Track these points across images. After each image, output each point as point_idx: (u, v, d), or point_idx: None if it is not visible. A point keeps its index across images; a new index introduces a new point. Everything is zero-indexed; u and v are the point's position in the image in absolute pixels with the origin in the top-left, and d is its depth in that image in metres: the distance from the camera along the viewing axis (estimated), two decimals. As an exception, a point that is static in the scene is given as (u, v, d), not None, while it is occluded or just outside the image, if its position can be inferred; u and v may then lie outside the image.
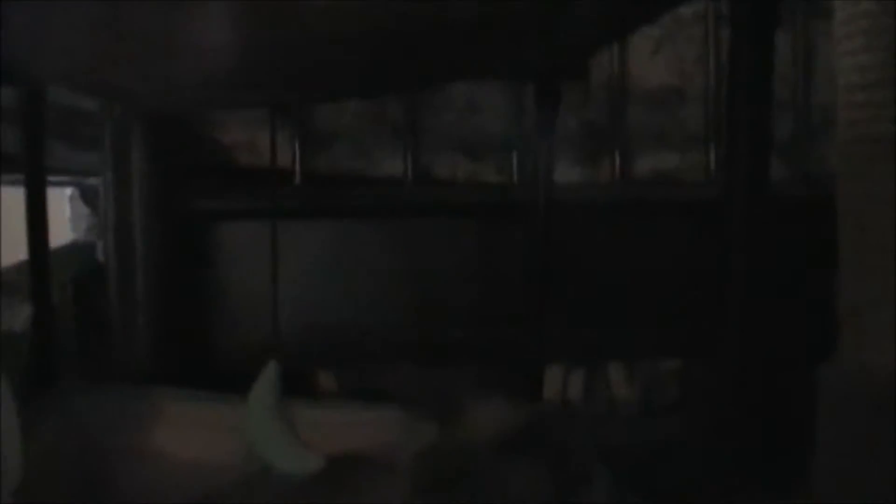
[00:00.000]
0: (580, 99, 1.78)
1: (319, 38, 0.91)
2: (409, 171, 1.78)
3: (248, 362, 1.37)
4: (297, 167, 1.76)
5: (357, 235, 1.76)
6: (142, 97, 1.44)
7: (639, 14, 1.16)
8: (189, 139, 1.76)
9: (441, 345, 1.76)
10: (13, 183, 1.74)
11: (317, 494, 1.12)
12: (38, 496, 1.10)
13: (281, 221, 1.62)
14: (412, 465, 1.01)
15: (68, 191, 2.18)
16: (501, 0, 0.86)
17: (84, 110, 1.75)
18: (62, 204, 2.17)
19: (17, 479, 0.80)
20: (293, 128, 1.75)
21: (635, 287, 1.76)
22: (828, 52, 1.47)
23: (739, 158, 0.92)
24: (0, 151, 1.65)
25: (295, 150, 1.75)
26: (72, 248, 1.99)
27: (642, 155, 1.81)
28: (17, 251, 1.64)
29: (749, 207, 0.91)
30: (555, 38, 1.12)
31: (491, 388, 1.68)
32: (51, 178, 1.68)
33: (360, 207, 1.76)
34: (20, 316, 1.69)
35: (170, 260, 1.67)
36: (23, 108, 1.57)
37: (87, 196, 2.13)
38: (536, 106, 1.58)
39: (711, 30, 1.78)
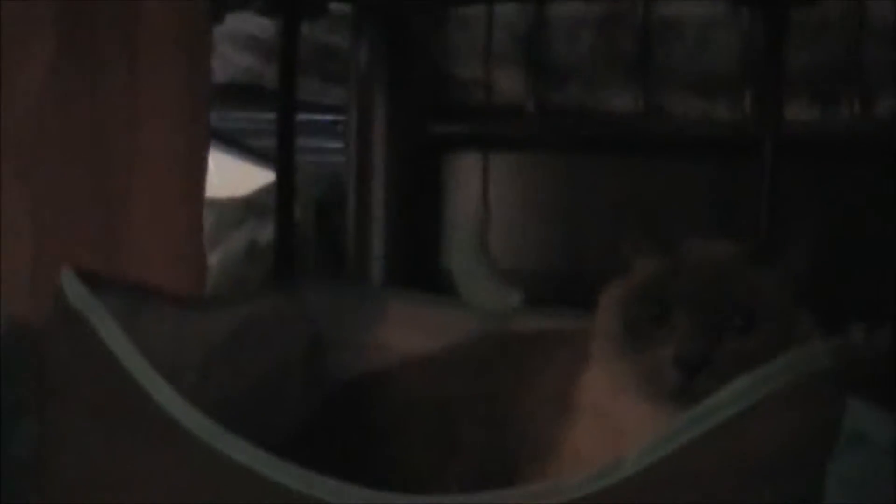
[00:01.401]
0: (816, 35, 1.75)
1: None
2: (641, 106, 1.80)
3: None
4: (531, 99, 1.82)
5: (588, 169, 1.80)
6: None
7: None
8: (429, 75, 1.85)
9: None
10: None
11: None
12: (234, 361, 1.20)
13: (512, 152, 1.68)
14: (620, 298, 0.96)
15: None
16: None
17: (335, 46, 1.88)
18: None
19: None
20: (528, 62, 1.81)
21: (877, 236, 1.70)
22: None
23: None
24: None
25: (528, 85, 1.81)
26: (317, 173, 2.13)
27: (883, 95, 1.76)
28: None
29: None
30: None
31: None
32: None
33: (589, 140, 1.80)
34: (266, 231, 1.84)
35: (405, 184, 1.78)
36: (280, 41, 1.71)
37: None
38: (764, 36, 1.57)
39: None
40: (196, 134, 1.35)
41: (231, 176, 2.42)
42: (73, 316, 0.83)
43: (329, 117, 2.00)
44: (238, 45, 1.91)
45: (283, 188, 1.66)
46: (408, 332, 1.34)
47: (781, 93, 1.61)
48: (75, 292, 0.83)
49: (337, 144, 2.09)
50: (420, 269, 1.77)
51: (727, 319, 0.87)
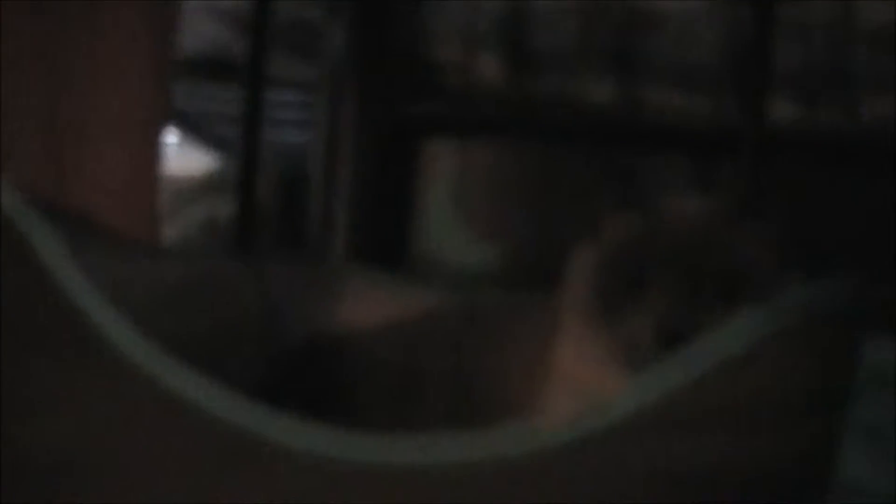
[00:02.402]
0: (801, 33, 1.71)
1: None
2: (620, 97, 1.75)
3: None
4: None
5: (565, 159, 1.75)
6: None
7: None
8: (406, 55, 1.80)
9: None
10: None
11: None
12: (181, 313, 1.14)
13: (488, 139, 1.63)
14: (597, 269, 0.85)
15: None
16: None
17: (309, 20, 1.83)
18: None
19: None
20: (508, 48, 1.76)
21: (845, 241, 1.66)
22: None
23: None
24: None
25: (507, 71, 1.76)
26: (285, 149, 2.07)
27: (868, 99, 1.72)
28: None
29: None
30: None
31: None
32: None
33: (566, 130, 1.75)
34: (225, 208, 1.77)
35: (374, 165, 1.72)
36: (251, 13, 1.66)
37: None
38: (750, 31, 1.53)
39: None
40: (157, 99, 1.31)
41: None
42: (6, 225, 0.75)
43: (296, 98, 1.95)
44: (209, 15, 1.85)
45: (248, 162, 1.61)
46: (367, 309, 1.28)
47: (765, 90, 1.57)
48: (10, 201, 0.76)
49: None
50: (387, 253, 1.71)
51: (711, 285, 0.78)
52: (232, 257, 1.32)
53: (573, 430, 0.67)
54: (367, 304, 1.29)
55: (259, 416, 0.71)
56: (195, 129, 2.21)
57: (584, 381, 0.84)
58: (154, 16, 1.29)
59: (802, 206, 1.65)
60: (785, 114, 1.71)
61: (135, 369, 0.70)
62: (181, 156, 2.24)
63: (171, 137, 2.13)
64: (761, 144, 1.53)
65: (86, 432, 0.72)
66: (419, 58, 1.80)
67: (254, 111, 1.63)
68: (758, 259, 0.81)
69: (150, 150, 1.29)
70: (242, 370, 1.13)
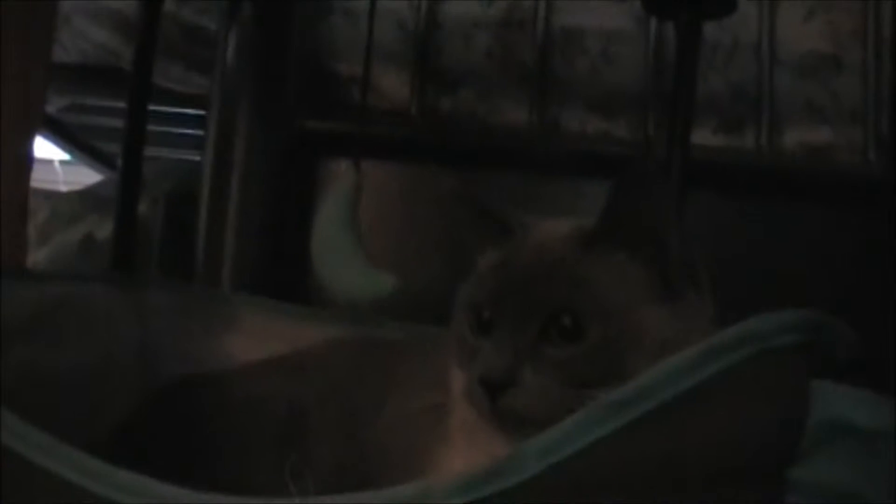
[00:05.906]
0: (725, 58, 1.62)
1: None
2: (536, 119, 1.64)
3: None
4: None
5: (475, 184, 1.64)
6: None
7: None
8: (307, 69, 1.68)
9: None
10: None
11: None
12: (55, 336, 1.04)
13: (391, 159, 1.53)
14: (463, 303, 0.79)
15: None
16: None
17: (204, 28, 1.71)
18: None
19: None
20: (416, 63, 1.65)
21: (767, 272, 1.57)
22: None
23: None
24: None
25: (414, 87, 1.65)
26: (173, 165, 1.94)
27: (790, 127, 1.64)
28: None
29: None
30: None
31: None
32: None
33: (477, 152, 1.64)
34: (106, 226, 1.65)
35: (267, 183, 1.61)
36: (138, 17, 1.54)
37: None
38: (676, 51, 1.44)
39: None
40: (27, 104, 1.19)
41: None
42: None
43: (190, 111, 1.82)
44: (95, 19, 1.72)
45: (128, 178, 1.47)
46: (255, 342, 1.17)
47: (691, 113, 1.48)
48: None
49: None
50: (278, 281, 1.58)
51: (548, 324, 0.72)
52: (107, 282, 1.20)
53: (476, 490, 0.57)
54: (253, 338, 1.19)
55: (93, 471, 0.64)
56: (83, 144, 2.09)
57: (472, 431, 0.77)
58: (26, 13, 1.17)
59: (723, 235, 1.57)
60: (708, 141, 1.62)
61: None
62: (69, 173, 2.12)
63: (59, 153, 2.01)
64: (684, 171, 1.44)
65: None
66: (319, 70, 1.69)
67: (135, 123, 1.50)
68: (612, 290, 0.73)
69: (18, 159, 1.18)
70: (109, 406, 1.06)
